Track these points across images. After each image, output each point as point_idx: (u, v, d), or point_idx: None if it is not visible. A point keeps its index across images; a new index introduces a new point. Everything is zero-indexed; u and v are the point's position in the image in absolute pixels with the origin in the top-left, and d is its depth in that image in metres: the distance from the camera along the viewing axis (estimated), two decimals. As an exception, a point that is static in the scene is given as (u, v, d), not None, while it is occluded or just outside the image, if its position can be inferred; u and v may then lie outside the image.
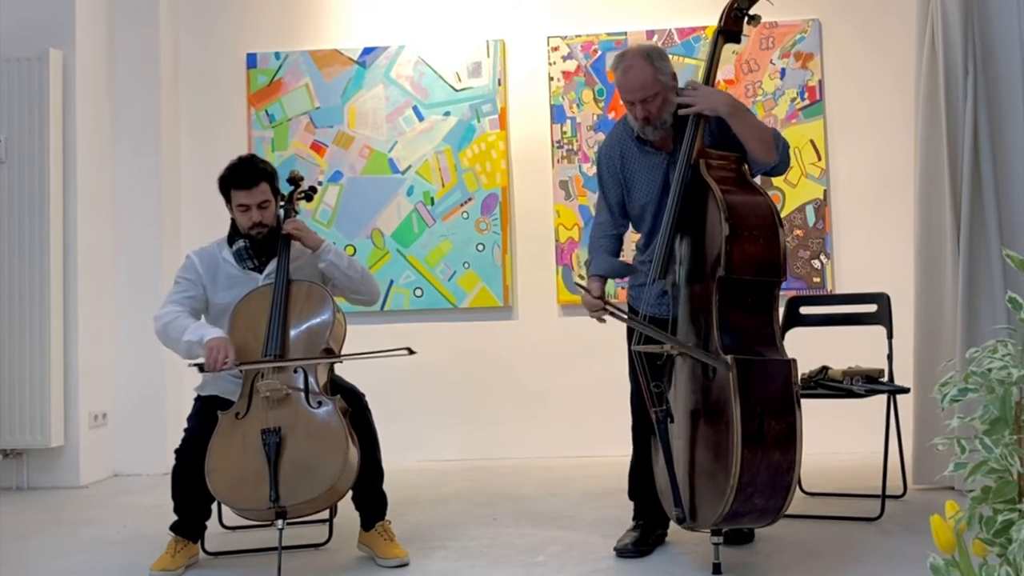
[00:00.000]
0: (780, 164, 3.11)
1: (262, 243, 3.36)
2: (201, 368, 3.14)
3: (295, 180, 3.55)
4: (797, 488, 2.91)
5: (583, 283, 3.28)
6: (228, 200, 3.37)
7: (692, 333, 3.00)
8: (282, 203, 3.47)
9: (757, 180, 3.17)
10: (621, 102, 3.22)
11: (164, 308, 3.32)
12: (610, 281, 5.09)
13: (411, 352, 3.17)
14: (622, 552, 3.22)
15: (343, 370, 3.43)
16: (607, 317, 3.20)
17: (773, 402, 2.77)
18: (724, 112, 3.01)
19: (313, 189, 3.64)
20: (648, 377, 3.08)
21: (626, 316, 3.15)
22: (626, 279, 3.61)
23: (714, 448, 2.84)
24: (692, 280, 3.01)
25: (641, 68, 3.09)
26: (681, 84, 3.18)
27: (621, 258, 3.40)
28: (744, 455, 2.70)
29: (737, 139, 3.14)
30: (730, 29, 3.13)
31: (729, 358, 2.76)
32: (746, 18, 3.13)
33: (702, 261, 2.97)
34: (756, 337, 2.89)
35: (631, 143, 3.26)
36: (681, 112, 3.06)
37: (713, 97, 3.03)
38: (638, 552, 3.21)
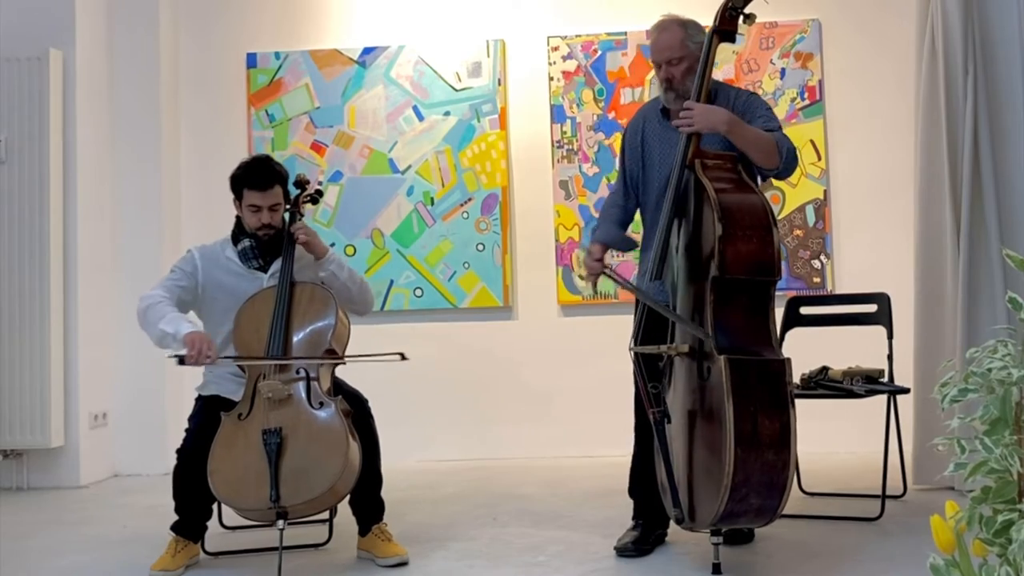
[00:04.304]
0: (785, 169, 3.14)
1: (268, 244, 3.36)
2: (181, 360, 3.10)
3: (301, 183, 3.53)
4: (796, 488, 2.91)
5: (585, 250, 3.41)
6: (238, 198, 3.37)
7: (689, 332, 3.00)
8: (287, 206, 3.46)
9: (757, 180, 3.18)
10: (651, 64, 3.32)
11: (153, 291, 3.29)
12: (611, 283, 5.13)
13: (403, 358, 3.20)
14: (622, 551, 3.22)
15: (345, 372, 3.43)
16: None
17: (766, 402, 2.76)
18: (723, 130, 3.03)
19: (319, 192, 3.62)
20: (646, 378, 3.09)
21: (624, 281, 3.28)
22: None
23: (710, 448, 2.84)
24: (689, 280, 3.02)
25: (673, 31, 3.21)
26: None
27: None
28: (737, 455, 2.69)
29: None
30: (725, 29, 3.14)
31: (722, 358, 2.77)
32: (741, 17, 3.13)
33: (698, 261, 2.97)
34: (751, 337, 2.89)
35: (654, 117, 3.35)
36: (681, 130, 3.06)
37: (711, 115, 3.03)
38: (638, 551, 3.22)
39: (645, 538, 3.27)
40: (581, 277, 3.43)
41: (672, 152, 3.20)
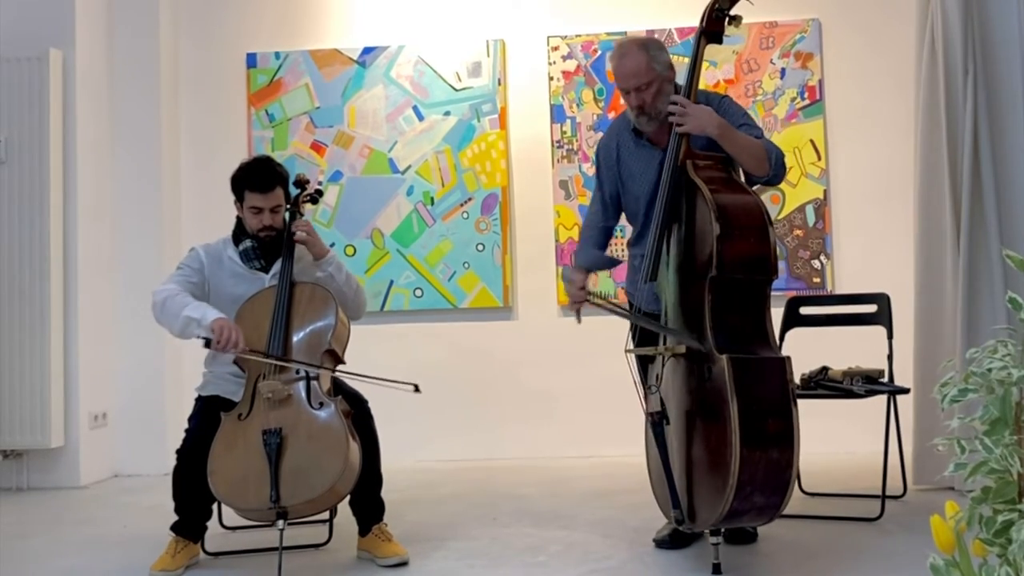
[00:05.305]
0: (775, 176, 3.12)
1: (269, 244, 3.36)
2: (207, 344, 3.07)
3: (301, 183, 3.53)
4: (796, 487, 2.91)
5: (571, 274, 3.35)
6: (239, 200, 3.37)
7: (686, 333, 3.00)
8: (288, 206, 3.45)
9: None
10: (618, 90, 3.23)
11: (165, 285, 3.28)
12: (611, 281, 5.14)
13: (417, 390, 3.15)
14: (660, 543, 3.26)
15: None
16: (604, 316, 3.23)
17: (770, 400, 2.77)
18: (713, 134, 3.01)
19: (319, 192, 3.61)
20: (642, 379, 3.09)
21: (611, 304, 3.22)
22: (624, 274, 3.64)
23: (712, 448, 2.84)
24: (685, 281, 3.01)
25: (636, 56, 3.11)
26: (679, 80, 3.19)
27: (610, 252, 3.50)
28: (743, 454, 2.69)
29: None
30: (712, 30, 3.12)
31: (724, 357, 2.76)
32: (727, 19, 3.12)
33: (693, 261, 2.97)
34: (750, 336, 2.89)
35: (628, 136, 3.29)
36: (676, 128, 3.04)
37: (702, 118, 3.00)
38: (674, 544, 3.24)
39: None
40: (566, 293, 3.40)
41: (650, 168, 3.19)
